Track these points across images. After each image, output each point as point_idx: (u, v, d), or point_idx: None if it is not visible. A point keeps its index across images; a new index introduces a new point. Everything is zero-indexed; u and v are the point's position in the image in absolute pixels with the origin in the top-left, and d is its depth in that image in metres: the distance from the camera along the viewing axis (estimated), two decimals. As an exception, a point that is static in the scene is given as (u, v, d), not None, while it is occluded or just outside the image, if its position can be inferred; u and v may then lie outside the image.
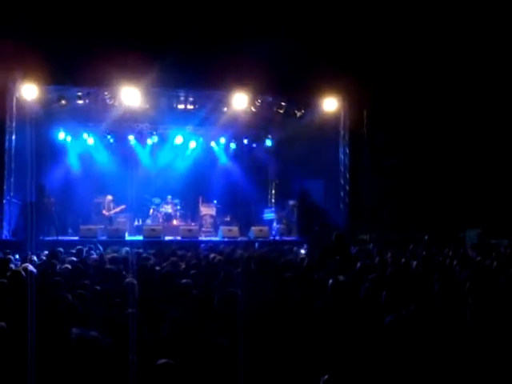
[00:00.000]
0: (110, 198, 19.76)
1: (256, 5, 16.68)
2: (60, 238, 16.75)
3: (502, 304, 5.77)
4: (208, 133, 21.91)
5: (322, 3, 17.06)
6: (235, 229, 18.67)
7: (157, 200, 20.91)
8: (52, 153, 20.31)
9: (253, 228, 18.63)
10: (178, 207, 21.12)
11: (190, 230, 18.34)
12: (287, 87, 17.56)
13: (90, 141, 21.36)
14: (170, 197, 20.91)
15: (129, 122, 19.44)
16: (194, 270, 8.63)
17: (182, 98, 17.91)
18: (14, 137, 16.31)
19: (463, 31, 17.48)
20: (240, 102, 17.66)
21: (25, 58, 14.48)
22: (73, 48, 15.53)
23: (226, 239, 17.57)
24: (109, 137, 21.31)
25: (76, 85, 16.81)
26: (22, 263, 9.67)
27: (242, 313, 5.27)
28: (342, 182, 18.69)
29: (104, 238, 16.79)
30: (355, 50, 17.50)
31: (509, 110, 18.06)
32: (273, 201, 23.45)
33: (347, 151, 18.74)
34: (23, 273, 7.71)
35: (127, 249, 12.45)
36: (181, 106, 18.08)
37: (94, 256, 11.44)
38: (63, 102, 17.16)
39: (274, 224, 20.18)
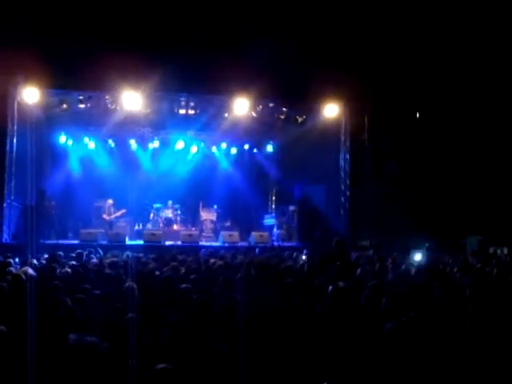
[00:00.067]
0: (110, 202, 19.75)
1: (258, 10, 16.73)
2: (60, 241, 16.74)
3: (502, 311, 5.76)
4: (209, 138, 21.92)
5: (324, 9, 17.10)
6: (236, 234, 18.65)
7: (157, 205, 20.92)
8: (53, 156, 20.35)
9: (253, 233, 18.61)
10: (179, 212, 21.11)
11: (190, 235, 18.33)
12: (288, 93, 17.60)
13: (91, 145, 21.38)
14: (170, 202, 20.91)
15: (130, 126, 19.43)
16: (194, 274, 8.62)
17: (183, 103, 17.93)
18: (15, 140, 16.31)
19: (464, 37, 17.52)
20: (241, 107, 17.67)
21: (26, 62, 14.49)
22: (74, 52, 15.56)
23: (226, 244, 17.55)
24: (110, 141, 21.36)
25: (77, 89, 16.83)
26: (22, 266, 9.67)
27: (242, 318, 5.26)
28: (343, 187, 18.68)
29: (104, 242, 16.77)
30: (356, 56, 17.53)
31: (510, 117, 18.07)
32: (273, 206, 23.44)
33: (348, 157, 18.73)
34: (23, 276, 7.71)
35: (128, 253, 12.45)
36: (182, 111, 18.10)
37: (94, 260, 11.44)
38: (64, 105, 17.18)
39: (275, 229, 20.17)
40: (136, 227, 20.38)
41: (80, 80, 16.07)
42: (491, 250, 15.06)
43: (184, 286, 7.25)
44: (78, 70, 15.55)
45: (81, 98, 17.01)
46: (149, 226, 20.42)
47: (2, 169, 16.10)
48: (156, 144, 21.68)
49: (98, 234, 17.17)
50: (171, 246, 17.12)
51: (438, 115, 18.77)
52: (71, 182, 20.78)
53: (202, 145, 22.37)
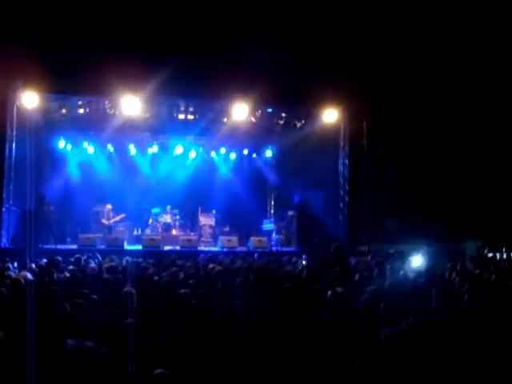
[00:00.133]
0: (109, 206, 19.73)
1: (257, 15, 16.78)
2: (58, 246, 16.73)
3: (500, 317, 5.76)
4: (208, 143, 21.92)
5: (323, 14, 17.15)
6: (234, 239, 18.63)
7: (156, 210, 20.92)
8: (52, 161, 20.33)
9: (252, 238, 18.60)
10: (178, 217, 21.10)
11: (189, 240, 18.32)
12: (287, 98, 17.62)
13: (90, 150, 21.36)
14: (169, 206, 20.90)
15: (129, 131, 19.42)
16: (193, 279, 8.62)
17: (182, 108, 17.95)
18: (14, 145, 16.29)
19: (463, 42, 17.57)
20: (240, 112, 17.68)
21: (26, 67, 14.52)
22: (74, 57, 15.60)
23: (225, 249, 17.53)
24: (109, 146, 21.36)
25: (77, 94, 16.85)
26: (20, 271, 9.67)
27: (241, 323, 5.26)
28: (342, 193, 18.66)
29: (103, 246, 16.76)
30: (355, 61, 17.57)
31: (509, 121, 18.10)
32: (272, 211, 23.44)
33: (347, 162, 18.71)
34: (22, 281, 7.71)
35: (128, 258, 12.44)
36: (181, 116, 18.11)
37: (93, 265, 11.43)
38: (64, 110, 17.19)
39: (274, 234, 20.16)
40: (135, 232, 20.36)
41: (79, 85, 16.10)
42: (491, 255, 15.08)
43: (183, 291, 7.25)
44: (77, 74, 15.57)
45: (80, 102, 17.04)
46: (147, 230, 20.40)
47: (1, 173, 16.07)
48: (155, 149, 21.67)
49: (97, 239, 17.14)
50: (170, 250, 17.09)
51: (437, 120, 18.79)
52: (70, 186, 20.74)
53: (201, 150, 22.38)
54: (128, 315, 5.51)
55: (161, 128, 19.53)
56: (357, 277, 9.01)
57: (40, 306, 5.94)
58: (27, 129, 16.58)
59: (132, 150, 21.70)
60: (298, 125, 18.80)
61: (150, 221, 20.73)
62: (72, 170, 21.20)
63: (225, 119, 18.59)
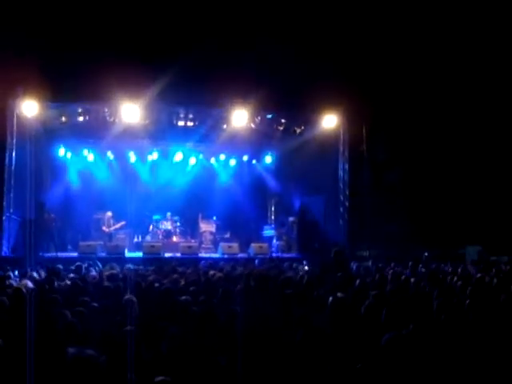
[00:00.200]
0: (109, 214, 19.72)
1: (256, 22, 16.81)
2: (59, 254, 16.71)
3: (502, 321, 5.75)
4: (208, 149, 21.93)
5: (322, 21, 17.18)
6: (235, 245, 18.61)
7: (156, 217, 20.92)
8: (52, 169, 20.33)
9: (253, 245, 18.58)
10: (178, 224, 21.09)
11: (189, 247, 18.31)
12: (287, 104, 17.64)
13: (90, 157, 21.37)
14: (169, 213, 20.89)
15: (129, 138, 19.43)
16: (194, 286, 8.60)
17: (181, 115, 17.95)
18: (14, 153, 16.31)
19: (462, 47, 17.59)
20: (240, 118, 17.69)
21: (25, 75, 14.55)
22: (73, 65, 15.63)
23: (225, 256, 17.52)
24: (109, 153, 21.37)
25: (76, 101, 16.87)
26: (21, 279, 9.65)
27: (242, 330, 5.25)
28: (342, 198, 18.66)
29: (103, 254, 16.75)
30: (354, 66, 17.60)
31: (508, 127, 18.12)
32: (272, 217, 23.43)
33: (346, 168, 18.72)
34: (24, 290, 7.69)
35: (130, 266, 12.43)
36: (181, 123, 18.11)
37: (93, 273, 11.41)
38: (63, 118, 17.21)
39: (274, 241, 20.16)
40: (135, 239, 20.36)
41: (79, 92, 16.12)
42: (493, 258, 15.07)
43: (183, 298, 7.23)
44: (76, 82, 15.61)
45: (80, 110, 17.05)
46: (148, 237, 20.39)
47: (1, 182, 16.09)
48: (155, 156, 21.69)
49: (97, 247, 17.13)
50: (171, 257, 17.08)
51: (436, 125, 18.80)
52: (70, 194, 20.74)
53: (201, 156, 22.40)
54: (128, 323, 5.49)
55: (160, 135, 19.53)
56: (357, 282, 8.99)
57: (41, 315, 5.93)
58: (27, 137, 16.57)
59: (132, 157, 21.71)
60: (298, 131, 18.81)
61: (151, 228, 20.72)
62: (72, 178, 21.20)
63: (224, 126, 18.59)
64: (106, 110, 17.29)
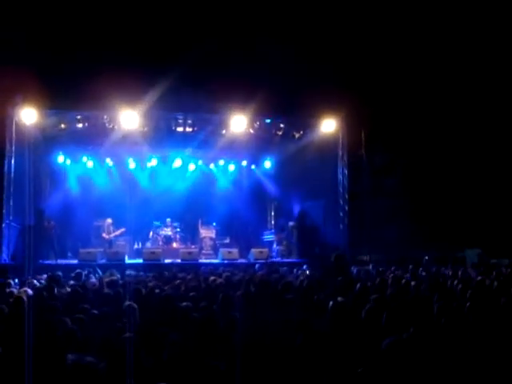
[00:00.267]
0: (109, 221, 19.70)
1: (255, 27, 16.84)
2: (59, 261, 16.70)
3: (502, 324, 5.74)
4: (207, 155, 21.93)
5: (320, 25, 17.22)
6: (235, 251, 18.61)
7: (156, 223, 20.92)
8: (51, 176, 20.34)
9: (253, 250, 18.58)
10: (178, 230, 21.09)
11: (189, 253, 18.31)
12: (286, 109, 17.65)
13: (90, 164, 21.40)
14: (169, 219, 20.89)
15: (128, 145, 19.44)
16: (194, 292, 8.59)
17: (180, 121, 17.95)
18: (13, 161, 16.32)
19: (460, 51, 17.62)
20: (239, 124, 17.70)
21: (24, 83, 14.56)
22: (71, 72, 15.66)
23: (225, 261, 17.51)
24: (108, 160, 21.38)
25: (75, 109, 16.87)
26: (21, 287, 9.64)
27: (242, 336, 5.24)
28: (341, 202, 18.66)
29: (104, 261, 16.74)
30: (353, 71, 17.63)
31: (508, 130, 18.14)
32: (272, 222, 23.42)
33: (346, 172, 18.73)
34: (24, 297, 7.68)
35: (131, 272, 12.42)
36: (180, 129, 18.12)
37: (93, 280, 11.40)
38: (62, 125, 17.24)
39: (274, 246, 20.15)
40: (135, 246, 20.37)
41: (77, 100, 16.13)
42: (493, 261, 15.09)
43: (184, 304, 7.22)
44: (75, 89, 15.62)
45: (78, 117, 17.06)
46: (148, 244, 20.40)
47: (0, 189, 16.10)
48: (154, 162, 21.70)
49: (97, 254, 17.12)
50: (171, 263, 17.07)
51: (435, 129, 18.82)
52: (70, 201, 20.72)
53: (200, 162, 22.41)
54: (129, 329, 5.49)
55: (159, 141, 19.53)
56: (358, 286, 8.97)
57: (40, 322, 5.92)
58: (26, 144, 16.57)
59: (131, 163, 21.73)
60: (297, 135, 18.83)
61: (151, 234, 20.72)
62: (71, 185, 21.21)
63: (223, 131, 18.61)
64: (105, 116, 17.30)
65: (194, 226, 21.22)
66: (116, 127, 17.49)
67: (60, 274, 11.75)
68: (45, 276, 11.65)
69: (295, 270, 13.72)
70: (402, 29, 17.55)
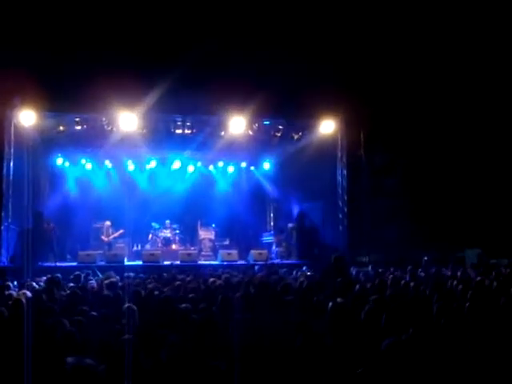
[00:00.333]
0: (108, 223, 19.72)
1: (253, 30, 16.85)
2: (58, 264, 16.70)
3: (502, 324, 5.73)
4: (206, 157, 21.92)
5: (318, 27, 17.22)
6: (234, 252, 18.62)
7: (156, 225, 20.91)
8: (50, 179, 20.35)
9: (252, 251, 18.58)
10: (177, 231, 21.09)
11: (189, 255, 18.32)
12: (284, 110, 17.65)
13: (88, 166, 21.40)
14: (168, 221, 20.89)
15: (127, 147, 19.43)
16: (193, 294, 8.58)
17: (179, 123, 17.95)
18: (11, 163, 16.30)
19: (459, 51, 17.63)
20: (237, 125, 17.70)
21: (22, 85, 14.56)
22: (70, 74, 15.66)
23: (225, 263, 17.51)
24: (107, 162, 21.38)
25: (74, 111, 16.87)
26: (20, 289, 9.62)
27: (241, 337, 5.23)
28: (341, 203, 18.65)
29: (103, 263, 16.73)
30: (351, 72, 17.63)
31: (508, 129, 18.14)
32: (271, 224, 23.42)
33: (345, 173, 18.72)
34: (23, 300, 7.67)
35: (131, 274, 12.41)
36: (178, 131, 18.11)
37: (92, 282, 11.38)
38: (61, 127, 17.23)
39: (274, 247, 20.15)
40: (134, 248, 20.36)
41: (76, 102, 16.13)
42: (493, 262, 15.08)
43: (183, 305, 7.22)
44: (73, 92, 15.64)
45: (77, 119, 17.06)
46: (147, 246, 20.40)
47: (-1, 192, 16.11)
48: (153, 164, 21.71)
49: (97, 256, 17.14)
50: (170, 265, 17.06)
51: (434, 129, 18.82)
52: (69, 203, 20.72)
53: (199, 164, 22.41)
54: (128, 331, 5.48)
55: (158, 143, 19.52)
56: (357, 287, 8.97)
57: (39, 324, 5.91)
58: (25, 147, 16.59)
59: (130, 165, 21.73)
60: (296, 137, 18.83)
61: (150, 236, 20.72)
62: (70, 187, 21.20)
63: (222, 133, 18.61)
64: (104, 118, 17.30)
65: (193, 228, 21.23)
66: (115, 129, 17.49)
67: (59, 276, 11.74)
68: (44, 278, 11.64)
69: (295, 272, 13.71)
70: (401, 29, 17.55)
